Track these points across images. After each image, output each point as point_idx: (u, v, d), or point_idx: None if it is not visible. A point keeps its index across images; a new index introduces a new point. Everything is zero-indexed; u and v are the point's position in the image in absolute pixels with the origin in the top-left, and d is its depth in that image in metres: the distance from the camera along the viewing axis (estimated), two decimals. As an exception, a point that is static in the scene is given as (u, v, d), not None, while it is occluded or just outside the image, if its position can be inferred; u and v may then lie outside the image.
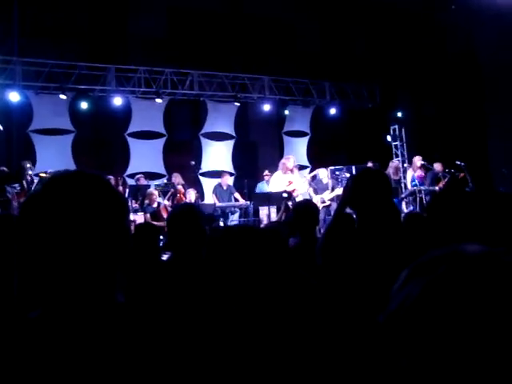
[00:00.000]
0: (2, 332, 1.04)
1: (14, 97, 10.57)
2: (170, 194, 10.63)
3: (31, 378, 0.97)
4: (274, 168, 10.78)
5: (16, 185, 8.61)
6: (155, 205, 10.07)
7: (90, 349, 0.99)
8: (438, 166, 11.60)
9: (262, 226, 9.98)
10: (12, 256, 1.67)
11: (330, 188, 10.74)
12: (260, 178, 11.75)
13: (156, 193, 10.32)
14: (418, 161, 11.58)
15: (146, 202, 10.19)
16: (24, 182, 9.02)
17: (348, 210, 3.02)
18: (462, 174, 11.09)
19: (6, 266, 1.74)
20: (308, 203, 4.48)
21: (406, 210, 11.01)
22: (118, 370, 0.99)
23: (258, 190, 11.00)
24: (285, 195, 9.64)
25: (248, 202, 11.17)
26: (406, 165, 12.76)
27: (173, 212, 3.11)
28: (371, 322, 2.24)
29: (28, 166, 9.37)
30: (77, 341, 0.99)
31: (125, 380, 0.98)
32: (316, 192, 10.70)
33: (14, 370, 0.98)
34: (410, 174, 11.71)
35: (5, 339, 1.02)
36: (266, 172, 11.30)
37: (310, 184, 10.93)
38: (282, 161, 10.30)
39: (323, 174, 11.06)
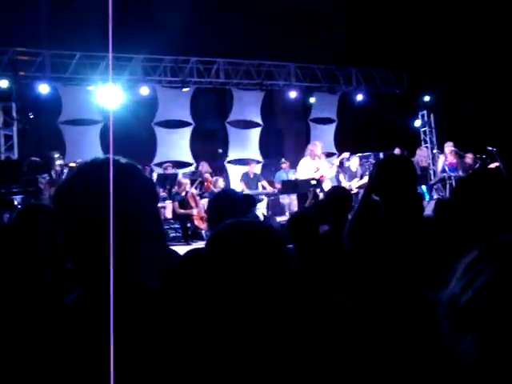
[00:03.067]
0: (39, 318, 1.06)
1: (43, 89, 10.74)
2: (197, 182, 10.69)
3: (67, 363, 0.99)
4: (300, 156, 10.73)
5: (45, 175, 8.76)
6: (184, 193, 10.15)
7: (123, 333, 1.00)
8: (468, 159, 11.38)
9: (288, 213, 10.04)
10: (42, 245, 1.71)
11: (358, 176, 10.66)
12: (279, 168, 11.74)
13: (188, 182, 10.39)
14: (448, 147, 11.39)
15: (174, 190, 10.26)
16: (53, 173, 9.18)
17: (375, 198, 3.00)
18: (493, 164, 10.82)
19: (38, 254, 1.78)
20: (341, 189, 4.45)
21: (434, 197, 10.87)
22: (148, 353, 1.00)
23: (277, 179, 11.01)
24: (313, 182, 9.60)
25: (275, 190, 11.17)
26: (435, 151, 12.56)
27: (214, 199, 3.14)
28: (402, 302, 2.23)
29: (56, 156, 9.51)
30: (106, 322, 1.01)
31: (157, 366, 0.99)
32: (345, 179, 10.65)
33: (52, 354, 1.00)
34: (441, 160, 11.51)
35: (41, 325, 1.04)
36: (283, 160, 11.30)
37: (338, 171, 10.86)
38: (309, 147, 10.25)
39: (354, 161, 10.96)
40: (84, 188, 1.06)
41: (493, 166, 10.71)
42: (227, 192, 3.40)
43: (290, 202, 10.44)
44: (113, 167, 1.10)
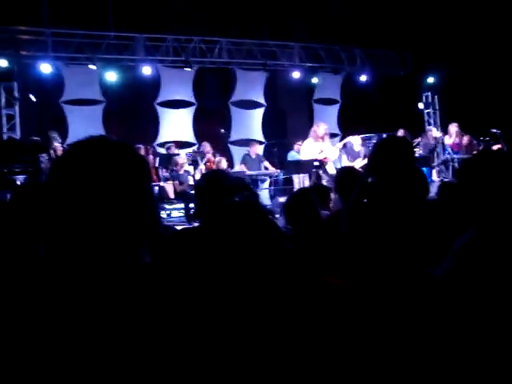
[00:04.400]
0: (32, 296, 1.07)
1: (45, 68, 10.68)
2: (205, 159, 10.62)
3: (59, 336, 1.00)
4: (304, 136, 10.69)
5: (44, 154, 8.74)
6: (181, 172, 10.21)
7: (115, 307, 1.01)
8: (465, 141, 11.32)
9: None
10: (38, 221, 1.72)
11: (361, 156, 10.60)
12: (290, 147, 11.68)
13: (185, 160, 10.43)
14: (453, 127, 11.32)
15: (173, 168, 10.30)
16: (52, 152, 9.15)
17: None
18: (496, 146, 10.77)
19: (34, 231, 1.79)
20: (351, 169, 4.43)
21: (436, 179, 10.84)
22: (140, 328, 1.01)
23: (290, 159, 10.95)
24: (316, 164, 9.56)
25: (278, 171, 11.15)
26: (439, 133, 12.47)
27: (200, 179, 3.12)
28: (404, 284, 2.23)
29: (54, 135, 9.47)
30: (103, 300, 1.02)
31: (146, 339, 1.00)
32: (348, 159, 10.60)
33: (42, 331, 1.00)
34: (446, 140, 11.44)
35: (34, 302, 1.05)
36: (299, 142, 11.15)
37: (341, 152, 10.80)
38: (313, 128, 10.17)
39: (356, 141, 10.88)
40: (77, 166, 1.07)
41: (495, 147, 10.66)
42: (215, 173, 3.39)
43: (300, 181, 10.35)
44: (106, 146, 1.11)
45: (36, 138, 9.15)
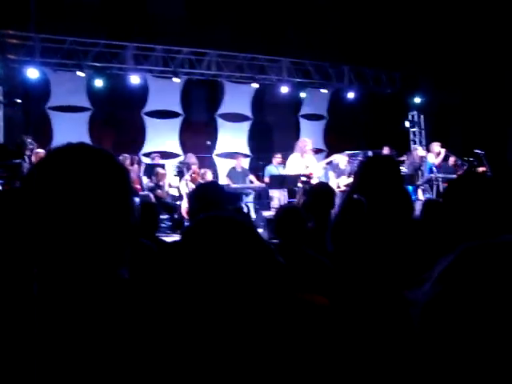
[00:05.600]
0: (7, 305, 1.03)
1: (32, 73, 10.59)
2: (191, 172, 10.57)
3: (32, 348, 0.96)
4: (290, 151, 10.69)
5: (18, 160, 8.55)
6: (161, 183, 10.20)
7: (90, 322, 0.98)
8: (451, 162, 11.47)
9: (274, 206, 10.02)
10: (15, 229, 1.67)
11: (346, 174, 10.65)
12: (269, 161, 11.66)
13: (164, 172, 10.41)
14: (436, 146, 11.43)
15: (154, 181, 10.26)
16: (26, 158, 8.97)
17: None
18: (481, 168, 10.89)
19: (10, 239, 1.74)
20: (324, 186, 4.42)
21: (422, 198, 10.91)
22: (115, 344, 0.97)
23: (266, 174, 10.90)
24: (303, 179, 9.56)
25: (263, 185, 11.13)
26: (424, 152, 12.59)
27: (195, 190, 3.08)
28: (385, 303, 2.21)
29: (29, 141, 9.30)
30: (77, 314, 0.99)
31: (121, 354, 0.97)
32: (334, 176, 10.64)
33: (17, 342, 0.97)
34: (430, 159, 11.53)
35: (9, 311, 1.01)
36: (278, 155, 11.12)
37: (327, 168, 10.83)
38: (299, 143, 10.19)
39: (342, 160, 10.93)
40: (53, 174, 1.02)
41: (480, 170, 10.79)
42: (214, 184, 3.37)
43: (280, 197, 10.37)
44: (84, 154, 1.07)
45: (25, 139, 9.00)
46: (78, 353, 0.96)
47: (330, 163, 11.01)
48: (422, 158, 11.84)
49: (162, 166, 10.82)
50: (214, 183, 4.35)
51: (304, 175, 9.64)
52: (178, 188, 10.36)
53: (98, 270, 1.04)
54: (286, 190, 9.93)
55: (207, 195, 2.79)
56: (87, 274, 1.02)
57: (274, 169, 10.88)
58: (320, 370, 1.32)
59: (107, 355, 0.96)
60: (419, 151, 12.04)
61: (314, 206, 3.86)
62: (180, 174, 10.58)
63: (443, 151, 11.39)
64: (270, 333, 1.34)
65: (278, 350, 1.31)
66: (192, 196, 2.96)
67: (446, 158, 11.49)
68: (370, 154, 11.55)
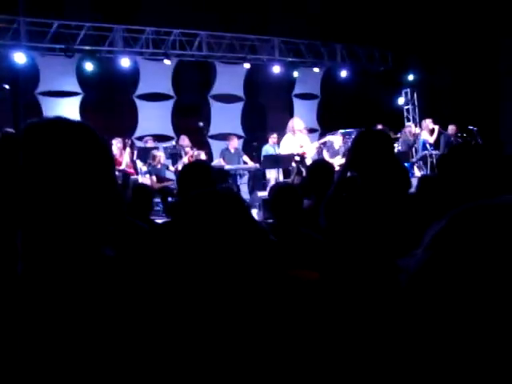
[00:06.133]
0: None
1: (19, 58, 10.42)
2: (189, 155, 10.48)
3: (17, 329, 0.93)
4: (283, 131, 10.64)
5: None
6: (159, 166, 10.08)
7: (74, 299, 0.95)
8: (451, 129, 11.41)
9: (270, 186, 9.97)
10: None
11: (341, 154, 10.61)
12: (267, 141, 11.61)
13: (161, 154, 10.30)
14: (429, 123, 11.40)
15: (150, 162, 10.16)
16: None
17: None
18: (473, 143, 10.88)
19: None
20: (324, 163, 4.40)
21: (418, 174, 10.91)
22: (100, 320, 0.94)
23: (264, 153, 10.86)
24: (297, 158, 9.53)
25: (257, 165, 11.09)
26: (417, 129, 12.58)
27: (184, 169, 3.04)
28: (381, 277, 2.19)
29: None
30: (62, 292, 0.95)
31: (106, 331, 0.94)
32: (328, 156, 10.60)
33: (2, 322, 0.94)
34: (425, 136, 11.50)
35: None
36: (274, 135, 11.07)
37: (321, 147, 10.79)
38: (290, 123, 10.15)
39: (337, 140, 10.89)
40: (30, 150, 0.98)
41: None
42: (201, 164, 3.33)
43: (276, 177, 10.33)
44: (62, 128, 1.02)
45: (10, 130, 8.94)
46: (60, 330, 0.93)
47: (324, 144, 10.97)
48: (415, 135, 11.82)
49: (156, 149, 10.74)
50: (201, 162, 4.31)
51: (298, 154, 9.61)
52: (175, 170, 10.30)
53: (80, 245, 1.00)
54: (281, 169, 9.90)
55: (195, 175, 2.76)
56: (70, 250, 0.99)
57: (270, 148, 10.82)
58: (310, 345, 1.30)
59: (89, 332, 0.93)
60: (412, 128, 12.01)
61: (313, 184, 3.83)
62: (172, 156, 10.52)
63: (437, 128, 11.37)
64: (261, 309, 1.31)
65: (268, 326, 1.29)
66: (180, 176, 2.92)
67: (439, 134, 11.47)
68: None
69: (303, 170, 9.51)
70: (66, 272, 0.98)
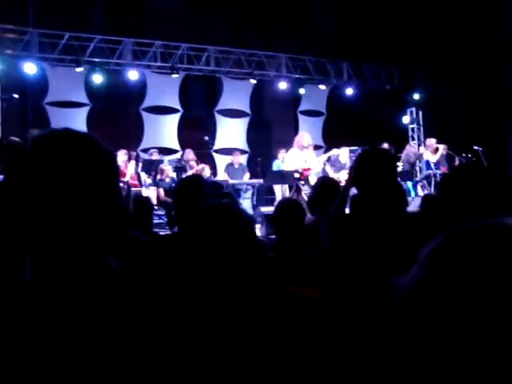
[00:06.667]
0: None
1: (29, 68, 10.55)
2: (194, 169, 10.52)
3: (20, 339, 0.95)
4: (288, 147, 10.66)
5: None
6: (168, 180, 10.10)
7: (78, 310, 0.96)
8: (443, 148, 11.39)
9: (276, 202, 9.95)
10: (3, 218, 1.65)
11: (347, 168, 10.59)
12: (274, 157, 11.65)
13: (169, 168, 10.33)
14: (433, 143, 11.42)
15: (159, 177, 10.20)
16: None
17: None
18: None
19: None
20: (329, 180, 4.43)
21: (421, 194, 10.90)
22: (104, 333, 0.96)
23: (274, 168, 10.89)
24: (296, 175, 9.52)
25: (261, 181, 11.11)
26: (422, 148, 12.60)
27: (177, 185, 3.09)
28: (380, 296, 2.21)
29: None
30: (66, 302, 0.97)
31: (110, 344, 0.96)
32: (333, 171, 10.61)
33: (3, 331, 0.96)
34: (428, 156, 11.51)
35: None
36: (284, 150, 11.08)
37: (325, 164, 10.80)
38: (297, 138, 10.16)
39: (343, 153, 10.90)
40: (37, 161, 0.99)
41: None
42: (196, 178, 3.37)
43: (283, 192, 10.31)
44: (69, 139, 1.05)
45: (14, 139, 8.99)
46: (65, 341, 0.95)
47: (328, 160, 10.98)
48: (417, 154, 11.86)
49: (161, 162, 10.79)
50: (195, 177, 4.36)
51: (298, 172, 9.56)
52: (175, 183, 10.33)
53: (85, 256, 1.02)
54: (287, 185, 9.90)
55: (187, 190, 2.80)
56: (74, 260, 1.01)
57: (281, 163, 10.84)
58: (309, 360, 1.32)
59: (94, 343, 0.95)
60: (415, 148, 12.06)
61: (319, 201, 3.86)
62: (177, 169, 10.55)
63: (441, 147, 11.37)
64: (260, 324, 1.33)
65: (267, 341, 1.30)
66: (174, 191, 2.97)
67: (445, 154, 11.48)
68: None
69: (305, 186, 9.52)
70: (71, 282, 1.00)
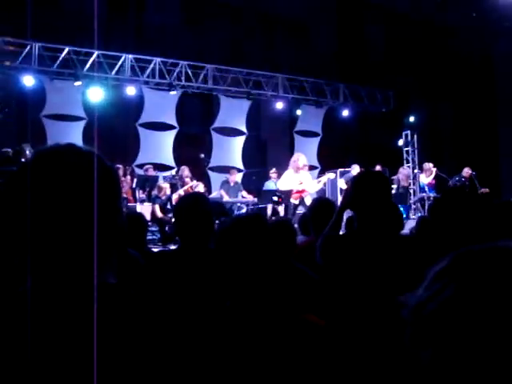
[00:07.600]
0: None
1: (28, 81, 10.59)
2: (188, 186, 10.52)
3: (16, 352, 0.95)
4: (283, 167, 10.70)
5: (14, 167, 8.41)
6: (164, 197, 10.08)
7: (75, 326, 0.96)
8: (466, 172, 11.43)
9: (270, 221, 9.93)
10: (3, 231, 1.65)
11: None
12: (268, 177, 11.68)
13: (167, 186, 10.32)
14: (431, 168, 11.51)
15: (155, 193, 10.18)
16: None
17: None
18: (484, 190, 11.00)
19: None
20: (325, 200, 4.44)
21: (413, 217, 10.94)
22: (102, 347, 0.96)
23: (265, 188, 10.91)
24: (274, 198, 9.57)
25: (255, 199, 11.12)
26: (416, 171, 12.69)
27: (180, 201, 3.07)
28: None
29: (27, 149, 9.22)
30: (63, 318, 0.97)
31: (108, 359, 0.96)
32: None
33: (2, 342, 0.96)
34: (422, 179, 11.59)
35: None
36: (274, 170, 11.16)
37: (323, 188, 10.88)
38: (293, 159, 10.20)
39: (339, 179, 10.97)
40: (39, 176, 0.99)
41: (483, 190, 10.90)
42: (202, 196, 3.37)
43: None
44: (73, 155, 1.05)
45: (7, 150, 8.95)
46: (65, 355, 0.94)
47: (324, 184, 11.03)
48: (409, 178, 11.95)
49: (156, 178, 10.79)
50: (200, 195, 4.33)
51: (279, 195, 9.60)
52: (170, 200, 10.31)
53: (84, 273, 1.02)
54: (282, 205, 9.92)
55: (199, 207, 2.76)
56: (73, 276, 1.01)
57: (272, 184, 10.87)
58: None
59: (92, 354, 0.95)
60: (406, 170, 12.15)
61: (314, 221, 3.86)
62: (171, 186, 10.54)
63: (434, 170, 11.47)
64: (267, 346, 1.33)
65: (276, 364, 1.30)
66: (176, 208, 2.95)
67: (437, 178, 11.56)
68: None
69: (280, 210, 9.57)
70: (69, 297, 1.00)
